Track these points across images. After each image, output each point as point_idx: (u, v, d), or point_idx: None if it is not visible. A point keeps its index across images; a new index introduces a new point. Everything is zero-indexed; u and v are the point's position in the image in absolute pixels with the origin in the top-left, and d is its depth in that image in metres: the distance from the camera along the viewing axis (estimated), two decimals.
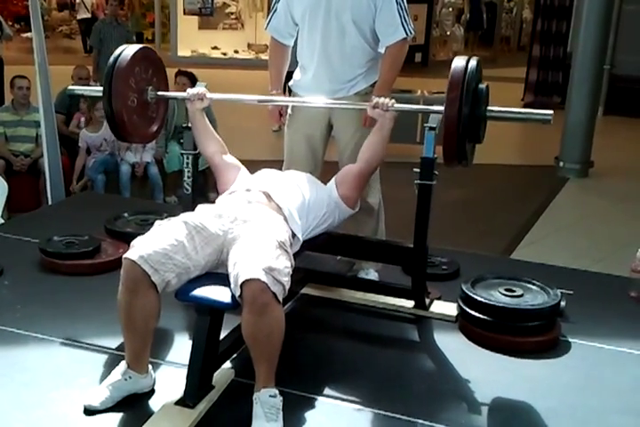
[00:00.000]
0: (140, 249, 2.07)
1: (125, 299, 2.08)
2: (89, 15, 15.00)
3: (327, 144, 3.25)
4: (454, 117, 2.40)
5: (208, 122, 2.81)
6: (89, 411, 2.07)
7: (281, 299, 2.02)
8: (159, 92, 2.86)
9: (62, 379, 2.26)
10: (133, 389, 2.14)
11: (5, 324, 2.55)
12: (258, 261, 2.01)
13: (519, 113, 2.61)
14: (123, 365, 2.15)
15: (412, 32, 2.99)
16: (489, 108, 2.52)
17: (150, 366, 2.20)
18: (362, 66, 3.07)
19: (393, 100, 2.68)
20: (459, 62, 2.46)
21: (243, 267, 2.01)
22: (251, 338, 2.02)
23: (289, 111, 3.23)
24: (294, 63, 3.25)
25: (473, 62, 2.46)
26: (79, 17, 15.13)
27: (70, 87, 3.23)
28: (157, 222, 2.24)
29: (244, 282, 1.96)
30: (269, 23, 3.17)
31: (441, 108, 2.52)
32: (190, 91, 2.77)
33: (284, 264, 2.07)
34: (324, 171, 3.39)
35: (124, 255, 2.09)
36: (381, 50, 3.04)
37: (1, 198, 4.24)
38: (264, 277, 1.96)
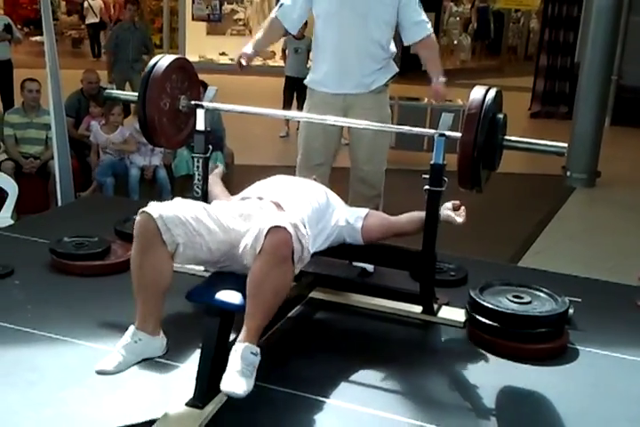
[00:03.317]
0: (157, 207, 2.11)
1: (137, 257, 2.10)
2: (97, 20, 15.09)
3: (341, 135, 3.43)
4: (470, 144, 2.45)
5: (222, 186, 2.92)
6: (102, 373, 2.05)
7: (296, 261, 2.06)
8: (193, 102, 2.89)
9: (72, 378, 2.27)
10: (145, 352, 2.12)
11: (16, 323, 2.56)
12: (283, 216, 2.08)
13: (535, 144, 2.65)
14: (131, 328, 2.13)
15: (431, 28, 3.34)
16: (506, 137, 2.58)
17: (162, 331, 2.18)
18: (380, 61, 3.31)
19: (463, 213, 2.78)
20: (478, 92, 2.52)
21: (268, 220, 2.05)
22: (256, 286, 2.01)
23: (305, 106, 3.46)
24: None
25: (492, 92, 2.52)
26: (88, 22, 15.22)
27: (108, 91, 3.29)
28: (177, 198, 2.28)
29: (271, 229, 1.98)
30: (281, 9, 3.32)
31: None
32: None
33: (306, 234, 2.11)
34: (332, 178, 3.43)
35: (141, 209, 2.11)
36: (406, 44, 3.37)
37: (11, 200, 4.27)
38: (290, 228, 2.00)
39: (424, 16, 3.32)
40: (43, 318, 2.61)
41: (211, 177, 2.87)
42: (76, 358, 2.39)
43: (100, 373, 2.04)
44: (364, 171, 3.43)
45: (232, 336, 2.19)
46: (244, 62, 3.27)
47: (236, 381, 1.93)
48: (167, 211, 2.11)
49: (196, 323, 2.35)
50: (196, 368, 2.14)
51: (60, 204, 4.28)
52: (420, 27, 3.31)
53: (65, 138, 4.40)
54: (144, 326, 2.13)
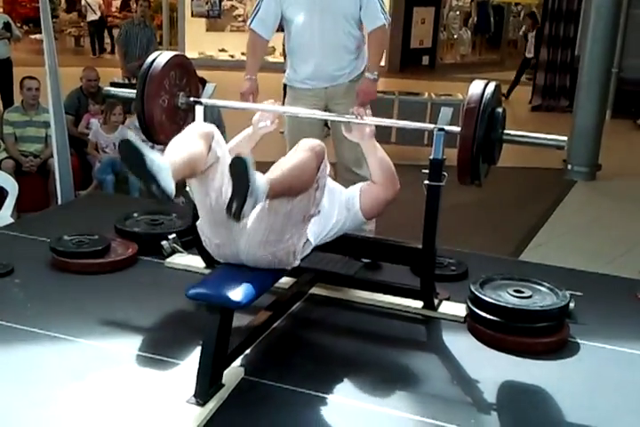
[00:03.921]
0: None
1: (181, 137, 2.22)
2: (96, 17, 15.09)
3: (324, 125, 3.75)
4: (469, 139, 2.45)
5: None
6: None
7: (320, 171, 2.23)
8: (192, 98, 2.91)
9: (72, 376, 2.27)
10: (161, 172, 1.94)
11: (16, 322, 2.56)
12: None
13: (535, 138, 2.64)
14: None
15: (389, 18, 3.56)
16: (505, 131, 2.58)
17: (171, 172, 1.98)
18: (353, 51, 3.57)
19: (368, 111, 2.86)
20: (477, 86, 2.52)
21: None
22: (284, 159, 2.16)
23: (286, 101, 3.69)
24: None
25: (491, 86, 2.52)
26: (89, 19, 15.22)
27: (106, 88, 3.33)
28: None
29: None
30: (253, 20, 3.56)
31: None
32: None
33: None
34: None
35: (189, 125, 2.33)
36: (361, 33, 3.57)
37: (11, 198, 4.27)
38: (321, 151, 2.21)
39: (381, 7, 3.50)
40: (43, 317, 2.61)
41: (249, 134, 2.87)
42: (77, 357, 2.39)
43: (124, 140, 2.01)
44: (348, 158, 3.61)
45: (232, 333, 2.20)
46: (251, 101, 3.44)
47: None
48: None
49: (196, 320, 2.35)
50: (196, 365, 2.14)
51: (60, 202, 4.27)
52: (373, 17, 3.49)
53: (65, 136, 4.39)
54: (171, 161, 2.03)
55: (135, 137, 1.98)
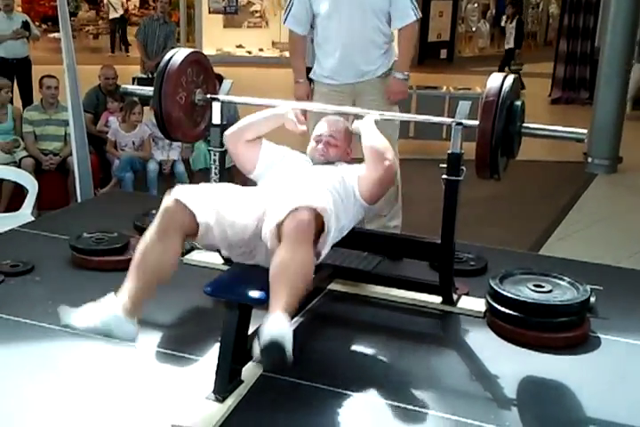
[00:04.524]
0: (185, 191, 2.12)
1: (151, 238, 2.06)
2: (117, 15, 15.18)
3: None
4: (488, 132, 2.44)
5: None
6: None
7: (320, 243, 2.08)
8: (209, 95, 2.91)
9: (91, 373, 2.29)
10: (115, 329, 1.97)
11: (37, 319, 2.58)
12: (308, 197, 2.09)
13: (554, 131, 2.62)
14: (115, 299, 2.03)
15: (420, 15, 3.48)
16: (524, 124, 2.55)
17: (137, 323, 2.04)
18: (381, 47, 3.49)
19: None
20: (495, 79, 2.50)
21: (292, 199, 2.05)
22: (280, 267, 1.96)
23: (314, 98, 3.60)
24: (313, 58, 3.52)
25: (509, 79, 2.50)
26: (111, 16, 15.32)
27: (123, 86, 3.32)
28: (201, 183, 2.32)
29: (294, 209, 1.99)
30: (287, 18, 3.53)
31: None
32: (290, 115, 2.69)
33: (331, 213, 2.13)
34: None
35: (169, 195, 2.12)
36: (393, 30, 3.50)
37: (31, 196, 4.30)
38: (315, 205, 2.03)
39: (411, 2, 3.43)
40: None
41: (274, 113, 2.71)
42: (96, 354, 2.41)
43: (66, 326, 1.97)
44: None
45: (251, 329, 2.20)
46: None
47: (276, 323, 1.84)
48: (195, 194, 2.14)
49: (214, 317, 2.35)
50: (215, 362, 2.15)
51: (79, 200, 4.30)
52: (403, 13, 3.43)
53: (83, 134, 4.43)
54: (127, 305, 2.01)
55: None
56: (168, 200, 2.11)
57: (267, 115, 2.68)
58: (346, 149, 2.69)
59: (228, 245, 2.20)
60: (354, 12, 3.38)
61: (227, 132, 2.68)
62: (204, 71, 2.94)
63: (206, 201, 2.13)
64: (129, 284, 2.08)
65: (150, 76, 7.44)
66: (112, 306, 2.02)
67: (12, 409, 2.10)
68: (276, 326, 1.84)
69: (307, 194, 2.16)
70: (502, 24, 12.96)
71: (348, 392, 2.22)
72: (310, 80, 3.73)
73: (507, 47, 11.16)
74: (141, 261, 2.08)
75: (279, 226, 2.01)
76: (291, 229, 1.98)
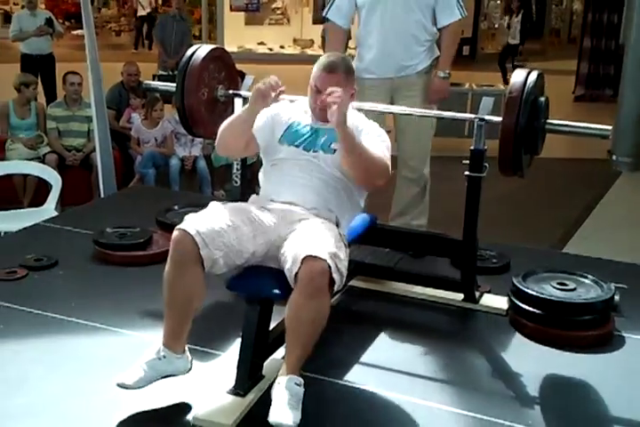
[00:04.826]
0: (193, 222, 2.08)
1: (171, 274, 2.06)
2: (145, 12, 15.25)
3: (385, 117, 3.47)
4: (511, 128, 2.42)
5: None
6: (123, 387, 2.01)
7: (334, 291, 2.02)
8: (230, 91, 2.90)
9: (116, 367, 2.29)
10: (168, 369, 2.08)
11: (60, 313, 2.60)
12: (323, 244, 2.01)
13: (578, 127, 2.60)
14: (158, 344, 2.11)
15: (465, 13, 3.43)
16: (548, 120, 2.53)
17: (187, 349, 2.14)
18: (423, 43, 3.42)
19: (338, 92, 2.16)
20: (519, 75, 2.48)
21: (306, 246, 2.00)
22: (294, 320, 2.00)
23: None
24: None
25: (533, 75, 2.48)
26: (138, 14, 15.41)
27: (146, 82, 3.35)
28: (213, 202, 2.25)
29: (306, 257, 1.95)
30: (330, 9, 3.45)
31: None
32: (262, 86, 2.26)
33: (345, 257, 2.08)
34: None
35: (177, 226, 2.09)
36: (435, 28, 3.42)
37: (55, 191, 4.34)
38: (329, 260, 1.96)
39: (457, 2, 3.38)
40: (86, 308, 2.65)
41: (253, 111, 2.28)
42: (119, 347, 2.43)
43: (120, 386, 2.02)
44: (411, 153, 3.50)
45: (272, 324, 2.20)
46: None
47: (283, 412, 1.90)
48: (203, 225, 2.07)
49: (235, 311, 2.36)
50: (236, 357, 2.15)
51: (102, 195, 4.33)
52: (449, 11, 3.37)
53: (106, 130, 4.45)
54: (170, 343, 2.09)
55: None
56: (176, 232, 2.08)
57: (237, 112, 2.44)
58: (347, 98, 2.22)
59: (237, 268, 2.20)
60: (397, 5, 3.32)
61: (217, 148, 2.49)
62: (225, 67, 2.95)
63: (213, 231, 2.06)
64: (166, 322, 2.11)
65: (171, 73, 7.46)
66: (157, 350, 2.09)
67: (36, 402, 2.12)
68: (282, 416, 1.88)
69: (318, 237, 2.07)
70: (504, 20, 12.58)
71: (369, 389, 2.22)
72: None
73: (512, 42, 10.84)
74: (170, 299, 2.09)
75: (295, 274, 1.99)
76: (305, 280, 1.96)
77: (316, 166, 2.35)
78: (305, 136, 2.39)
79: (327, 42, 3.65)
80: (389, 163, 2.35)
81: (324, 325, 2.02)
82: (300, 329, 2.00)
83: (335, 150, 2.32)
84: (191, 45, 2.95)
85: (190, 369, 2.15)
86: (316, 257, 1.96)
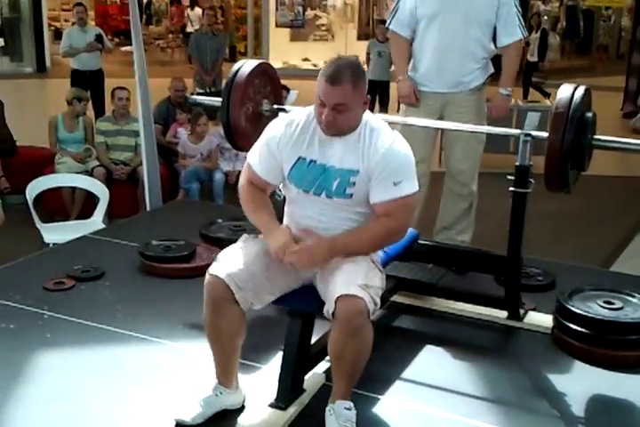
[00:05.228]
0: (224, 266, 2.05)
1: (211, 319, 2.06)
2: (193, 29, 15.53)
3: (438, 133, 3.57)
4: (557, 144, 2.40)
5: None
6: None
7: (371, 316, 1.99)
8: (275, 105, 2.94)
9: (158, 377, 2.33)
10: (223, 405, 2.12)
11: (106, 323, 2.65)
12: (352, 279, 1.97)
13: (627, 143, 2.56)
14: (214, 381, 2.15)
15: (526, 33, 3.44)
16: (595, 136, 2.50)
17: (240, 383, 2.18)
18: (479, 60, 3.40)
19: None
20: (565, 90, 2.47)
21: (337, 285, 1.97)
22: (336, 357, 2.00)
23: (402, 107, 3.58)
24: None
25: (580, 90, 2.46)
26: (188, 30, 15.71)
27: (192, 97, 3.39)
28: (244, 237, 2.20)
29: (340, 297, 1.92)
30: (392, 21, 3.48)
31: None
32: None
33: (379, 283, 2.05)
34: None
35: (209, 271, 2.07)
36: (494, 47, 3.42)
37: (102, 204, 4.42)
38: (361, 294, 1.93)
39: (518, 19, 3.34)
40: (131, 319, 2.69)
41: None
42: (162, 357, 2.46)
43: (178, 422, 2.05)
44: (459, 169, 3.49)
45: (313, 338, 2.20)
46: (418, 95, 3.46)
47: None
48: (234, 268, 2.03)
49: (277, 325, 2.37)
50: (278, 370, 2.16)
51: (148, 209, 4.39)
52: (510, 31, 3.34)
53: (153, 145, 4.51)
54: (223, 380, 2.13)
55: None
56: (209, 277, 2.06)
57: (262, 228, 2.17)
58: (358, 109, 2.07)
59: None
60: (457, 20, 3.29)
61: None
62: (270, 82, 2.97)
63: (245, 274, 2.03)
64: (214, 360, 2.14)
65: (207, 90, 7.53)
66: (214, 387, 2.13)
67: (81, 409, 2.15)
68: None
69: (347, 272, 1.99)
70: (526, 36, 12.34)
71: (412, 405, 2.21)
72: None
73: (530, 60, 10.60)
74: (214, 339, 2.10)
75: (332, 313, 1.96)
76: (342, 321, 1.93)
77: (332, 208, 2.12)
78: (314, 179, 2.10)
79: (393, 52, 3.70)
80: (407, 214, 2.11)
81: (367, 357, 2.00)
82: (344, 366, 2.00)
83: (352, 194, 2.08)
84: (225, 59, 2.99)
85: (244, 402, 2.17)
86: (348, 295, 1.92)
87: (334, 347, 1.98)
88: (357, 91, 2.03)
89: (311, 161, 2.10)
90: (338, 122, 2.02)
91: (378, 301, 2.01)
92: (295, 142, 2.11)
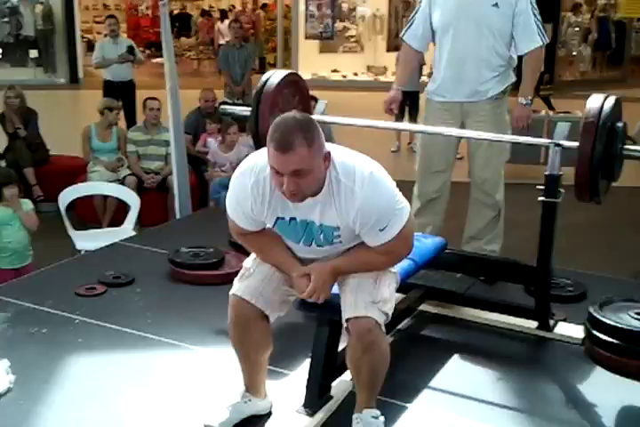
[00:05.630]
0: (246, 285, 2.08)
1: (239, 338, 2.09)
2: (224, 41, 15.71)
3: (459, 143, 3.50)
4: (588, 153, 2.39)
5: None
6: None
7: (384, 326, 2.00)
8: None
9: (186, 382, 2.35)
10: (252, 411, 2.15)
11: (136, 328, 2.68)
12: (361, 296, 1.97)
13: None
14: (242, 388, 2.17)
15: (547, 40, 3.33)
16: (626, 146, 2.49)
17: (267, 390, 2.20)
18: (495, 69, 3.34)
19: None
20: (595, 100, 2.46)
21: (347, 303, 1.99)
22: (354, 370, 2.02)
23: (423, 116, 3.57)
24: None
25: (610, 100, 2.45)
26: (220, 42, 15.91)
27: (222, 106, 3.42)
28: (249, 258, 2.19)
29: (348, 319, 1.95)
30: (406, 32, 3.47)
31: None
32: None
33: (387, 293, 2.03)
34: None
35: (232, 292, 2.08)
36: (515, 55, 3.37)
37: (133, 212, 4.47)
38: (369, 313, 1.94)
39: (537, 26, 3.27)
40: (160, 324, 2.72)
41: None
42: (190, 363, 2.48)
43: None
44: (482, 178, 3.46)
45: (341, 346, 2.20)
46: (395, 110, 3.48)
47: None
48: (255, 284, 2.07)
49: (305, 332, 2.37)
50: (305, 376, 2.16)
51: (177, 217, 4.43)
52: (528, 38, 3.29)
53: (183, 154, 4.56)
54: (252, 389, 2.16)
55: None
56: (233, 299, 2.08)
57: (278, 263, 2.11)
58: (321, 167, 1.90)
59: None
60: (469, 29, 3.28)
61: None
62: (299, 92, 2.99)
63: (266, 291, 2.07)
64: (243, 371, 2.17)
65: (236, 101, 7.59)
66: (242, 395, 2.16)
67: (112, 413, 2.18)
68: None
69: (355, 290, 1.99)
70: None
71: (440, 414, 2.20)
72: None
73: None
74: (242, 355, 2.13)
75: (346, 328, 1.99)
76: (355, 338, 1.95)
77: (327, 248, 2.06)
78: (299, 234, 2.03)
79: (400, 60, 3.68)
80: (407, 243, 2.03)
81: (386, 367, 2.01)
82: (363, 378, 2.01)
83: (341, 241, 2.02)
84: (255, 71, 3.02)
85: (271, 408, 2.20)
86: (357, 318, 1.94)
87: (351, 361, 2.01)
88: (313, 150, 1.85)
89: (291, 219, 2.00)
90: (302, 188, 1.86)
91: (388, 310, 2.01)
92: (268, 206, 1.98)
